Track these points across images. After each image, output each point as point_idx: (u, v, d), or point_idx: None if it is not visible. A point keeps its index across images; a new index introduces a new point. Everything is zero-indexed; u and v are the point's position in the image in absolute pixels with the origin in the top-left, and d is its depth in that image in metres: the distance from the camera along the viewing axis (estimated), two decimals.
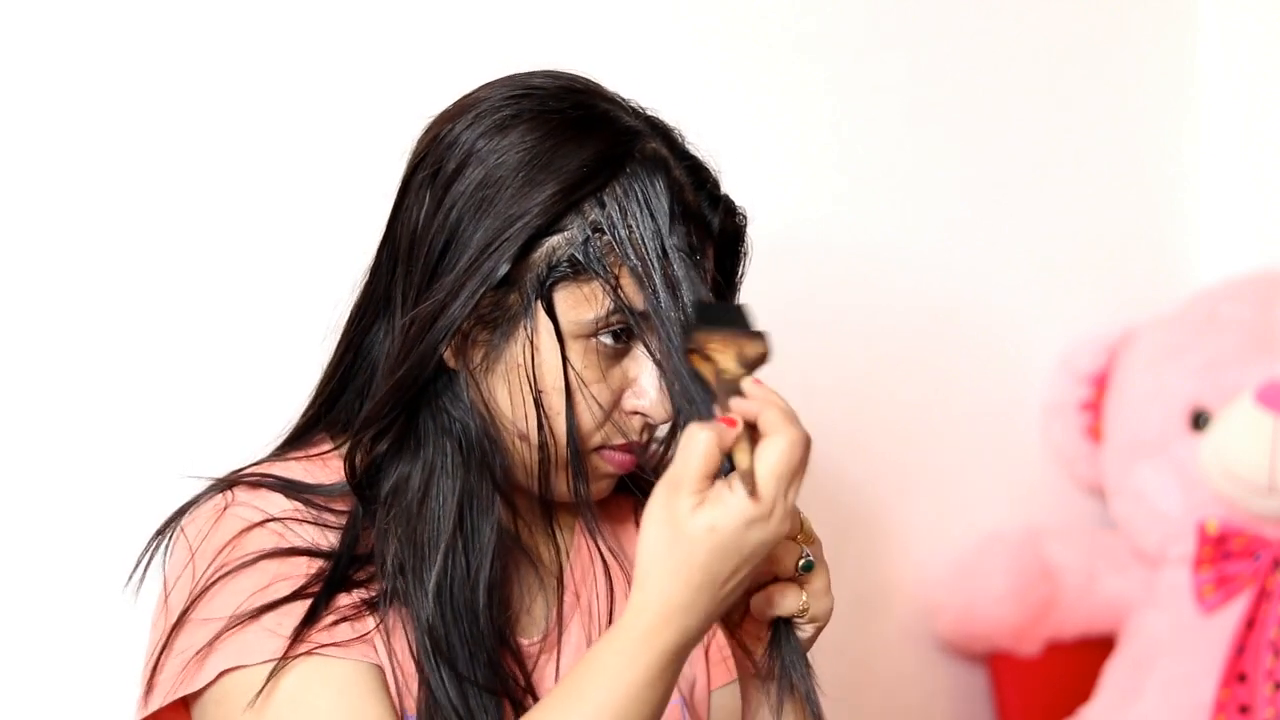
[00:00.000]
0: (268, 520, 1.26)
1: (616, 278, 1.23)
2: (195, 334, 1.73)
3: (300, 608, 1.23)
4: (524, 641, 1.32)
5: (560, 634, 1.34)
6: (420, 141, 1.30)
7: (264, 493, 1.28)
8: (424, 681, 1.25)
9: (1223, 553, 2.14)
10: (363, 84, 1.80)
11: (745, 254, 1.32)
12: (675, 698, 1.37)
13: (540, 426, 1.25)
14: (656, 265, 1.22)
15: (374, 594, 1.26)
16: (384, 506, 1.28)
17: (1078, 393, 2.29)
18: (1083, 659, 2.24)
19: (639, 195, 1.23)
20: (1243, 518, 2.15)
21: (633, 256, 1.22)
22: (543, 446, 1.26)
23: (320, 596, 1.24)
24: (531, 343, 1.24)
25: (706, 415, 1.17)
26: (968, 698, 2.29)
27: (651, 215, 1.23)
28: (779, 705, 1.27)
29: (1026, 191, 2.32)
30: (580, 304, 1.23)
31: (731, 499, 1.12)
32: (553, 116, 1.25)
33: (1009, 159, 2.30)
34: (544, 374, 1.25)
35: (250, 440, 1.37)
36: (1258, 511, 2.14)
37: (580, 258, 1.22)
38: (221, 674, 1.22)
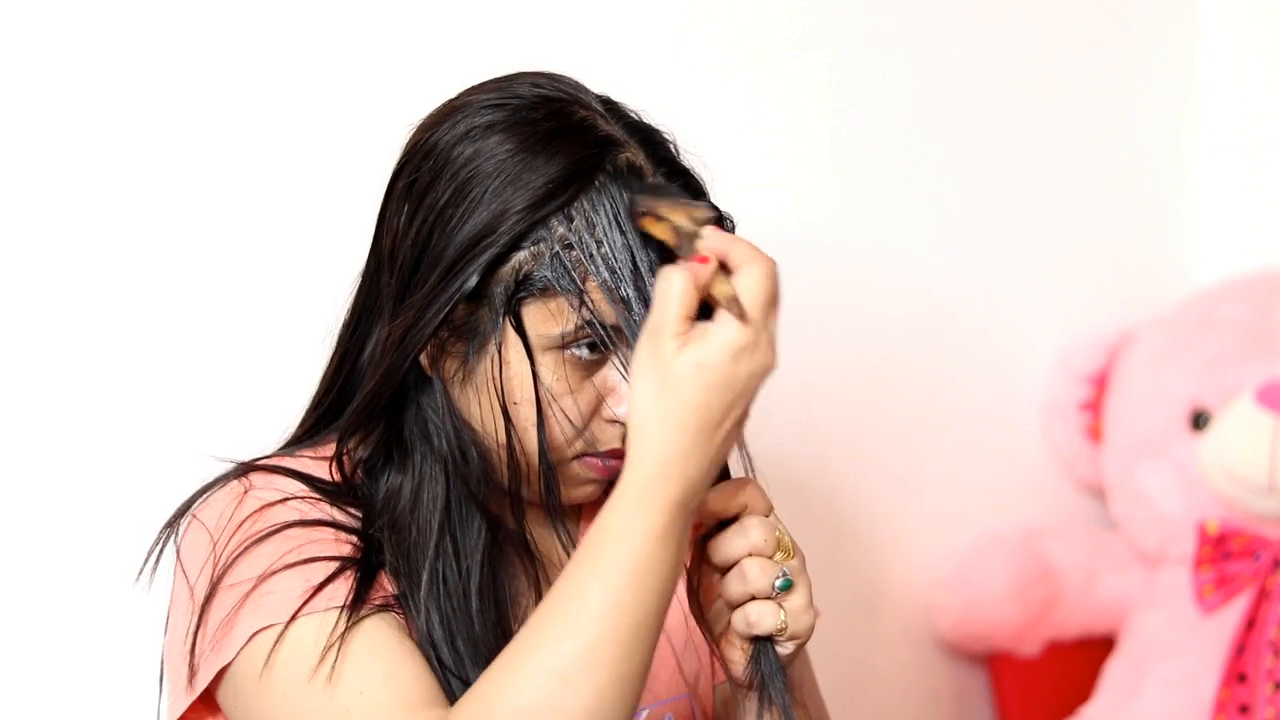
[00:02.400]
0: (288, 499, 1.26)
1: (584, 292, 1.22)
2: (198, 334, 1.74)
3: (332, 568, 1.22)
4: None
5: None
6: (404, 148, 1.31)
7: (280, 478, 1.28)
8: None
9: (1223, 553, 2.14)
10: (366, 87, 1.80)
11: None
12: (682, 691, 1.36)
13: (510, 438, 1.25)
14: (627, 277, 1.21)
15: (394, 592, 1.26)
16: (379, 515, 1.28)
17: (1077, 393, 2.29)
18: (1083, 659, 2.24)
19: (608, 208, 1.22)
20: (1243, 518, 2.15)
21: (602, 270, 1.21)
22: (512, 457, 1.26)
23: (360, 566, 1.23)
24: (500, 356, 1.24)
25: None
26: (968, 698, 2.29)
27: (621, 228, 1.22)
28: (759, 718, 1.26)
29: (1026, 192, 2.32)
30: (549, 318, 1.23)
31: (715, 332, 1.10)
32: (526, 128, 1.24)
33: (1008, 159, 2.30)
34: (513, 387, 1.24)
35: (254, 440, 1.37)
36: (1258, 511, 2.14)
37: (547, 273, 1.22)
38: (254, 635, 1.20)
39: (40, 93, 1.67)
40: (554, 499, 1.27)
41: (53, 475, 1.68)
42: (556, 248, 1.22)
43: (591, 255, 1.22)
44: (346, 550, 1.25)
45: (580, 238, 1.22)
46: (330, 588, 1.21)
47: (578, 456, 1.28)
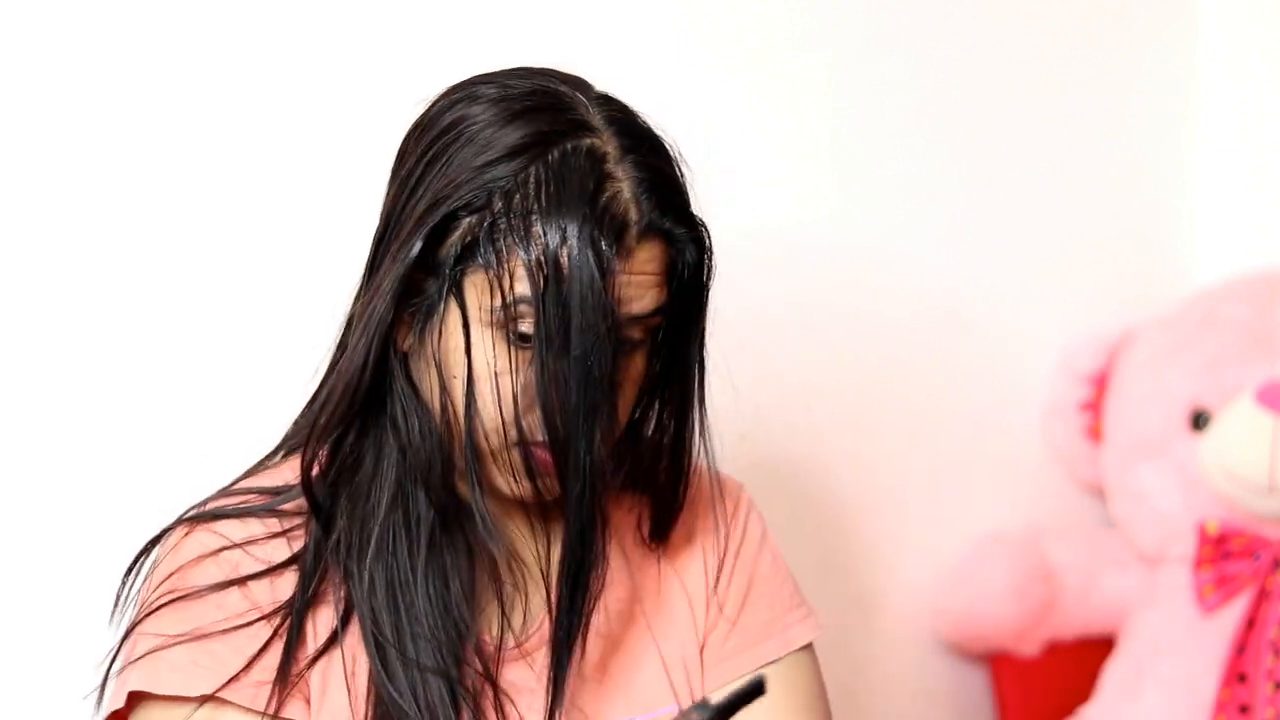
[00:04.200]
0: (223, 549, 1.27)
1: (508, 266, 1.19)
2: (206, 339, 1.74)
3: (227, 651, 1.24)
4: (486, 638, 1.30)
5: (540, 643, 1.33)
6: (406, 136, 1.30)
7: (226, 522, 1.28)
8: (371, 667, 1.25)
9: (1223, 553, 2.14)
10: (374, 83, 1.80)
11: (708, 268, 1.27)
12: (670, 704, 1.35)
13: (445, 412, 1.23)
14: (549, 259, 1.18)
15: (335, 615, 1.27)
16: (338, 485, 1.27)
17: (1078, 393, 2.29)
18: (1083, 659, 2.24)
19: (554, 185, 1.19)
20: (1243, 518, 2.15)
21: (529, 247, 1.18)
22: (449, 434, 1.24)
23: (285, 643, 1.25)
24: (441, 327, 1.22)
25: (580, 432, 1.17)
26: (968, 698, 2.29)
27: (560, 206, 1.19)
28: None
29: (1026, 191, 2.32)
30: (486, 290, 1.21)
31: None
32: (505, 103, 1.23)
33: (1008, 159, 2.30)
34: (450, 361, 1.22)
35: (256, 437, 1.39)
36: (1258, 511, 2.14)
37: (480, 242, 1.20)
38: (135, 695, 1.24)
39: (40, 87, 1.67)
40: (475, 474, 1.24)
41: (53, 478, 1.68)
42: (492, 218, 1.20)
43: (520, 228, 1.19)
44: (263, 614, 1.25)
45: (516, 209, 1.19)
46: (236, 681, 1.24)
47: (517, 444, 1.24)
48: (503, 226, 1.19)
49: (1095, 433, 2.28)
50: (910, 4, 2.21)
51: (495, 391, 1.21)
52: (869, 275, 2.18)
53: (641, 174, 1.23)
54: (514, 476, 1.25)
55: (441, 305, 1.22)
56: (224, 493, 1.32)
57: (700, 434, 1.32)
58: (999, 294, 2.30)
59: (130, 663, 1.26)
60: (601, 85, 1.30)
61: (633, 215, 1.21)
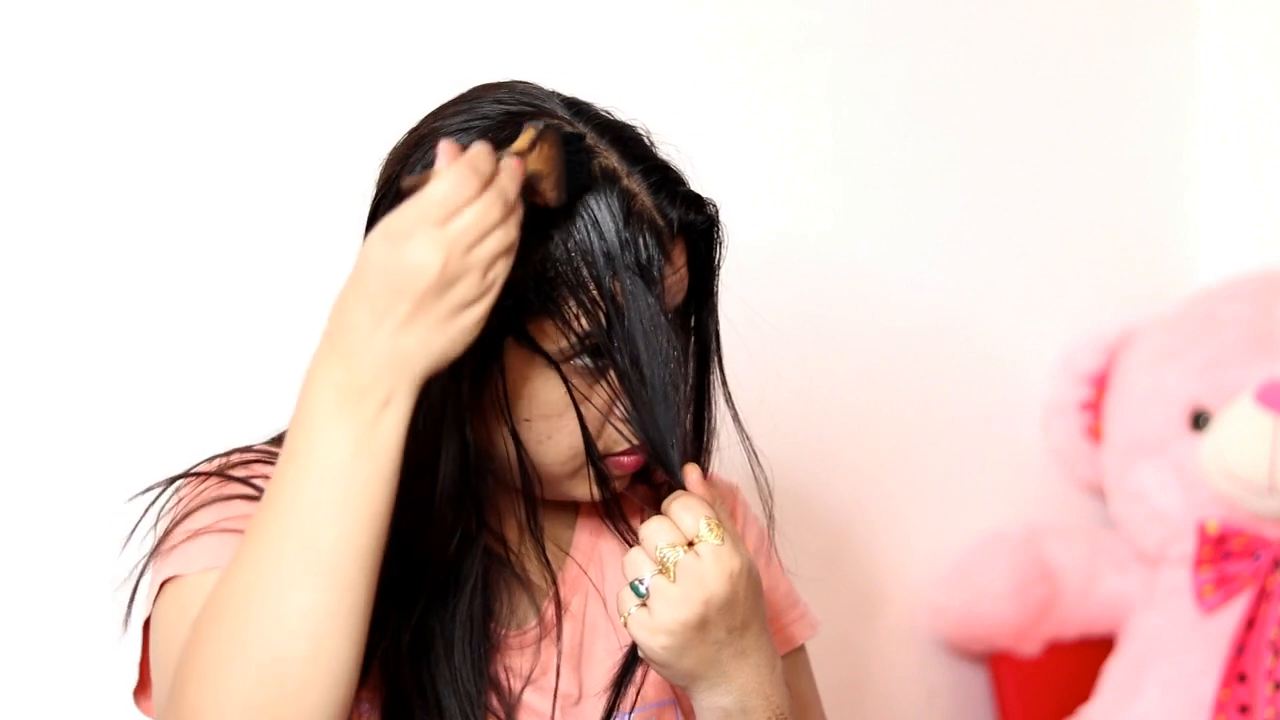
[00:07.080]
0: (251, 478, 1.26)
1: (563, 308, 1.21)
2: (206, 340, 1.74)
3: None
4: (513, 642, 1.32)
5: (554, 635, 1.33)
6: (378, 181, 1.28)
7: (253, 465, 1.28)
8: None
9: (1223, 553, 2.14)
10: (365, 87, 1.81)
11: (720, 242, 1.29)
12: (668, 697, 1.36)
13: (520, 456, 1.25)
14: (604, 292, 1.21)
15: None
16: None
17: (1078, 393, 2.29)
18: (1083, 659, 2.25)
19: (585, 220, 1.21)
20: (1243, 518, 2.15)
21: (582, 283, 1.21)
22: (525, 474, 1.26)
23: None
24: (504, 378, 1.23)
25: (671, 443, 1.21)
26: (968, 698, 2.30)
27: (601, 236, 1.21)
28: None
29: (1026, 191, 2.32)
30: (549, 335, 1.22)
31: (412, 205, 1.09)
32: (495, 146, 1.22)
33: (1009, 159, 2.30)
34: (520, 406, 1.24)
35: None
36: (1258, 511, 2.14)
37: (531, 290, 1.21)
38: (164, 584, 1.21)
39: (40, 96, 1.67)
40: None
41: (53, 478, 1.69)
42: (538, 267, 1.20)
43: (571, 269, 1.21)
44: None
45: (559, 256, 1.21)
46: None
47: (601, 459, 1.26)
48: (550, 271, 1.21)
49: (1095, 433, 2.28)
50: (910, 5, 2.21)
51: (576, 420, 1.24)
52: (870, 276, 2.19)
53: (650, 179, 1.25)
54: (593, 486, 1.28)
55: (496, 357, 1.23)
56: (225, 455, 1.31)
57: (729, 402, 1.33)
58: (1000, 294, 2.30)
59: (163, 558, 1.23)
60: (602, 91, 1.30)
61: (660, 222, 1.24)
